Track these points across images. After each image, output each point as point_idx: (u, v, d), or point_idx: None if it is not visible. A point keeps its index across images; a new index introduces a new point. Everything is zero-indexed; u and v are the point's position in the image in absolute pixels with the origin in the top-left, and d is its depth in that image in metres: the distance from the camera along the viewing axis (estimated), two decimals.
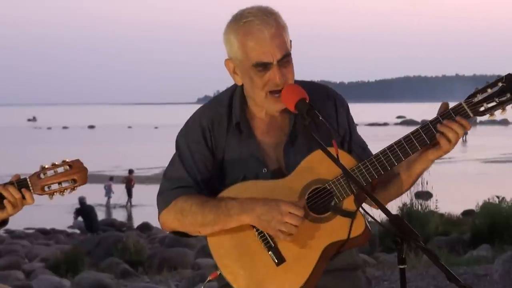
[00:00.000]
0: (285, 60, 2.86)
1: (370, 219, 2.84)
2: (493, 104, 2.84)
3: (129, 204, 34.29)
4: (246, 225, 2.88)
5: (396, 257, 2.65)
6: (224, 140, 2.97)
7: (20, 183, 2.92)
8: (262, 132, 2.97)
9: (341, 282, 2.97)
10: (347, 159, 2.85)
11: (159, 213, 2.97)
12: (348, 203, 2.86)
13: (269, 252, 2.88)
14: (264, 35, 2.83)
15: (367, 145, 3.06)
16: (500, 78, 2.83)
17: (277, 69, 2.84)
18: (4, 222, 3.00)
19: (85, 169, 2.96)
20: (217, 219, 2.87)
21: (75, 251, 15.75)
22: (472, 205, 19.90)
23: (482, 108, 2.85)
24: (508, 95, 2.82)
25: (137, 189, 34.39)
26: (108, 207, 33.99)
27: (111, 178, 35.31)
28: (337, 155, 2.74)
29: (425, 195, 18.38)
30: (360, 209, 2.85)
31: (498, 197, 15.98)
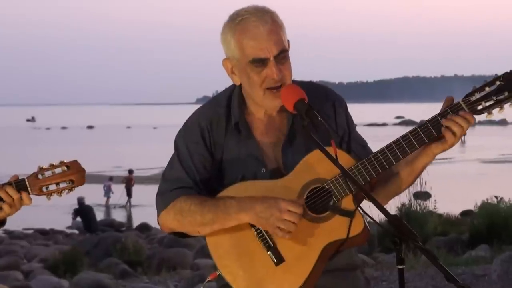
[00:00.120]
0: (282, 56, 2.87)
1: (368, 219, 2.84)
2: (491, 102, 2.84)
3: (128, 204, 34.27)
4: (245, 225, 2.88)
5: (395, 257, 2.65)
6: (223, 140, 2.97)
7: (18, 184, 2.92)
8: (260, 132, 2.97)
9: (340, 282, 2.97)
10: (345, 159, 2.86)
11: (158, 214, 2.98)
12: (347, 203, 2.87)
13: (268, 252, 2.88)
14: (260, 31, 2.84)
15: (367, 143, 3.06)
16: (498, 77, 2.84)
17: (274, 65, 2.85)
18: (2, 222, 3.01)
19: (83, 170, 2.97)
20: (215, 218, 2.87)
21: (74, 251, 15.76)
22: (470, 205, 19.93)
23: (480, 107, 2.85)
24: (506, 93, 2.83)
25: (136, 189, 34.38)
26: (107, 207, 33.97)
27: (111, 178, 35.30)
28: (336, 155, 2.74)
29: (424, 195, 18.37)
30: (359, 209, 2.86)
31: (496, 197, 16.00)
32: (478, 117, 2.88)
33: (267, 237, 2.88)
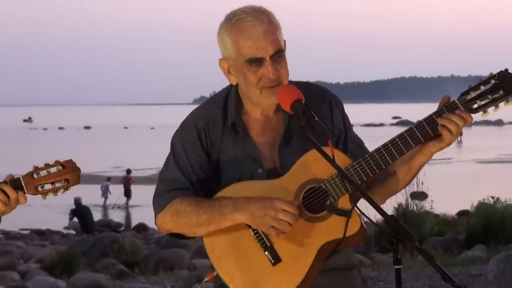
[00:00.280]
0: (278, 55, 2.87)
1: (365, 219, 2.85)
2: (486, 101, 2.85)
3: (127, 204, 34.21)
4: (242, 226, 2.88)
5: (392, 257, 2.65)
6: (220, 140, 2.97)
7: (13, 183, 2.92)
8: (257, 132, 2.97)
9: (337, 281, 2.97)
10: (341, 158, 2.86)
11: (156, 216, 2.98)
12: (343, 202, 2.87)
13: (265, 252, 2.88)
14: (256, 30, 2.84)
15: (364, 143, 3.06)
16: (493, 75, 2.84)
17: (270, 65, 2.85)
18: None
19: (78, 169, 2.97)
20: (211, 218, 2.87)
21: (70, 251, 15.74)
22: (467, 206, 19.94)
23: (475, 105, 2.86)
24: (501, 92, 2.84)
25: (134, 189, 34.34)
26: (105, 207, 33.93)
27: (109, 179, 35.26)
28: (333, 155, 2.74)
29: (421, 196, 18.38)
30: (355, 208, 2.86)
31: (493, 197, 16.00)
32: (474, 117, 2.88)
33: (264, 237, 2.88)
